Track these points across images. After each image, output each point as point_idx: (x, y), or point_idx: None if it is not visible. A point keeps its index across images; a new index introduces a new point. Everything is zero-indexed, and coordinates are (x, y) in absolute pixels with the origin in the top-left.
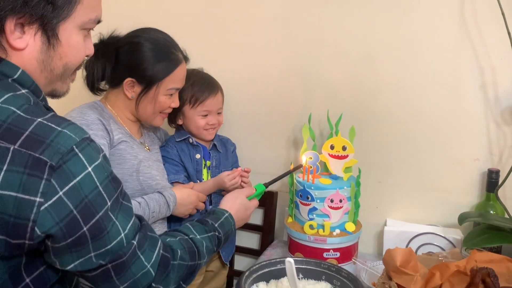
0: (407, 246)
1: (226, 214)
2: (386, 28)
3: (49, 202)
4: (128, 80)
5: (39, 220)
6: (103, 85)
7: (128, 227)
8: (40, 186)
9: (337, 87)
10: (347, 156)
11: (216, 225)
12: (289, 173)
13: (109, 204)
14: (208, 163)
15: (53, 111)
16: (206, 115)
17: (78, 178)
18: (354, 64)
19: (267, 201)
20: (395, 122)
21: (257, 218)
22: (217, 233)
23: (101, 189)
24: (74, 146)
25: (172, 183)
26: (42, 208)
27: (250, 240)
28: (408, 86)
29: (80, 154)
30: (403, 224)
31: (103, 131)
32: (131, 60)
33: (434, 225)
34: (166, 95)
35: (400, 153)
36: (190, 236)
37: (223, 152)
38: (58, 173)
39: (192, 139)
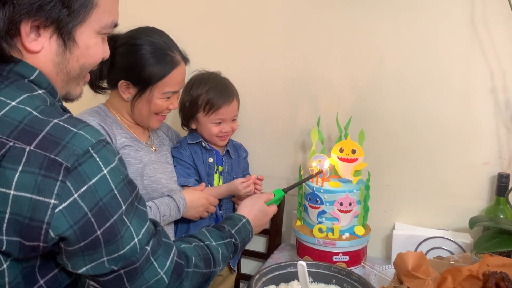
0: (416, 250)
1: (244, 220)
2: (395, 32)
3: (64, 204)
4: (122, 82)
5: (53, 222)
6: (104, 83)
7: (142, 232)
8: (55, 188)
9: (346, 90)
10: (357, 159)
11: (233, 232)
12: (309, 178)
13: (123, 208)
14: (220, 168)
15: (69, 112)
16: (220, 123)
17: (93, 181)
18: (363, 67)
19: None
20: (404, 125)
21: None
22: (233, 240)
23: (116, 192)
24: (90, 148)
25: (181, 186)
26: (57, 210)
27: (256, 243)
28: (417, 90)
29: (96, 156)
30: (411, 228)
31: (105, 136)
32: (125, 62)
33: (443, 229)
34: (162, 98)
35: (409, 157)
36: (206, 242)
37: (235, 158)
38: (73, 175)
39: (205, 143)
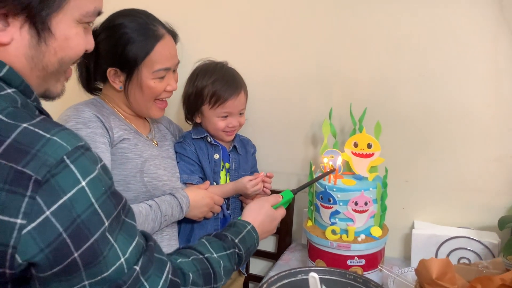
0: (437, 250)
1: (248, 227)
2: (412, 14)
3: (33, 224)
4: (110, 70)
5: (21, 246)
6: (100, 84)
7: (129, 250)
8: (22, 205)
9: (359, 79)
10: (373, 154)
11: (236, 241)
12: (321, 177)
13: (106, 224)
14: (227, 165)
15: (46, 114)
16: (226, 117)
17: (69, 195)
18: (378, 54)
19: None
20: (423, 116)
21: None
22: (237, 250)
23: (97, 207)
24: (64, 157)
25: (185, 183)
26: (24, 231)
27: (266, 242)
28: (438, 76)
29: (72, 166)
30: (432, 227)
31: (102, 128)
32: (107, 46)
33: (467, 228)
34: (154, 78)
35: (429, 150)
36: (206, 255)
37: (243, 155)
38: (45, 189)
39: (210, 138)
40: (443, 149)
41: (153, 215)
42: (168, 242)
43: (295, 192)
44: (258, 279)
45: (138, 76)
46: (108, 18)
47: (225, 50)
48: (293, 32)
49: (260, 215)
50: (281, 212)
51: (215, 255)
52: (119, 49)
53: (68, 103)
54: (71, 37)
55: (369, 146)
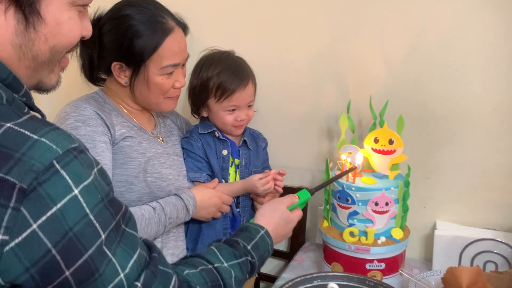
0: (461, 253)
1: (262, 232)
2: (435, 5)
3: (17, 240)
4: (114, 64)
5: (2, 265)
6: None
7: (130, 265)
8: (4, 219)
9: (380, 69)
10: (395, 151)
11: (248, 247)
12: (340, 176)
13: (103, 236)
14: (237, 161)
15: (38, 111)
16: (233, 110)
17: (59, 205)
18: (400, 42)
19: None
20: (448, 109)
21: None
22: (249, 258)
23: (92, 218)
24: (54, 161)
25: (191, 182)
26: (7, 248)
27: None
28: (465, 67)
29: (62, 172)
30: (456, 228)
31: (102, 126)
32: (112, 39)
33: (494, 229)
34: (161, 75)
35: (453, 145)
36: (215, 265)
37: (253, 150)
38: (32, 199)
39: (218, 133)
40: (468, 144)
41: (156, 218)
42: (175, 243)
43: (312, 192)
44: (269, 278)
45: (144, 72)
46: (113, 8)
47: (232, 37)
48: (306, 17)
49: (275, 218)
50: (298, 214)
51: (225, 264)
52: (125, 43)
53: (73, 94)
54: (63, 22)
55: (390, 142)
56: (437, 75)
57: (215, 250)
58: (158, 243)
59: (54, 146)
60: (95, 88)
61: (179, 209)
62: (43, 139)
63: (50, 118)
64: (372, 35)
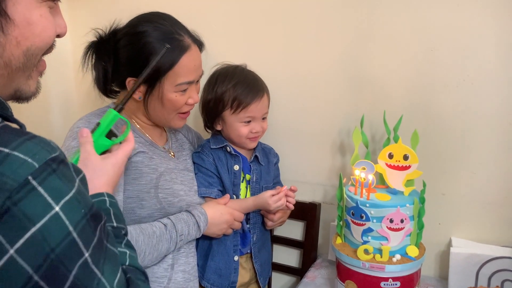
0: (478, 272)
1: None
2: (451, 12)
3: None
4: (129, 80)
5: None
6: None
7: (115, 283)
8: None
9: (394, 83)
10: (410, 166)
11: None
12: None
13: (86, 254)
14: (248, 176)
15: (15, 121)
16: (249, 122)
17: (38, 225)
18: (413, 60)
19: (309, 213)
20: (463, 124)
21: (297, 233)
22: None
23: (75, 236)
24: (30, 177)
25: (202, 197)
26: None
27: (289, 257)
28: (479, 82)
29: (40, 188)
30: (472, 245)
31: None
32: (128, 55)
33: (511, 247)
34: (176, 92)
35: (469, 161)
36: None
37: (265, 165)
38: (6, 222)
39: (230, 148)
40: (484, 160)
41: (168, 235)
42: (186, 259)
43: (119, 108)
44: None
45: (159, 89)
46: (130, 23)
47: (244, 52)
48: (318, 32)
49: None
50: (120, 150)
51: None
52: (141, 60)
53: (87, 106)
54: (35, 21)
55: (405, 157)
56: (452, 90)
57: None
58: (169, 260)
59: (29, 160)
60: (108, 101)
61: (190, 225)
62: (16, 153)
63: (62, 131)
64: (385, 50)
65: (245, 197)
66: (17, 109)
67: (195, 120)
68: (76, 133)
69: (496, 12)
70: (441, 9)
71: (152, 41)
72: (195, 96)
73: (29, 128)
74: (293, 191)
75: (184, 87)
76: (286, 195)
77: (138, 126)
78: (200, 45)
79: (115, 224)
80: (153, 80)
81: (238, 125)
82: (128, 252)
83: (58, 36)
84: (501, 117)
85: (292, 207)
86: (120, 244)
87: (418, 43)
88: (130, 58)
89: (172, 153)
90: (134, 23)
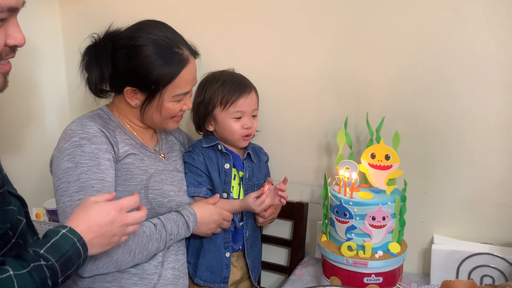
0: (458, 267)
1: (63, 231)
2: (432, 18)
3: None
4: (128, 89)
5: None
6: (106, 86)
7: None
8: None
9: (377, 86)
10: (391, 166)
11: (41, 252)
12: None
13: None
14: (241, 174)
15: None
16: (239, 118)
17: None
18: (395, 64)
19: (297, 213)
20: (444, 126)
21: (285, 232)
22: (43, 262)
23: None
24: None
25: (192, 196)
26: None
27: (277, 255)
28: (460, 84)
29: None
30: (453, 242)
31: (107, 144)
32: (128, 66)
33: (490, 244)
34: (173, 101)
35: (450, 161)
36: None
37: (256, 163)
38: None
39: (221, 146)
40: (465, 160)
41: (157, 234)
42: (175, 257)
43: None
44: None
45: (159, 99)
46: (129, 34)
47: (231, 56)
48: (304, 36)
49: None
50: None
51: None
52: (142, 73)
53: (82, 109)
54: None
55: (387, 157)
56: (432, 92)
57: (4, 266)
58: (159, 257)
59: None
60: (101, 103)
61: (179, 225)
62: None
63: (57, 133)
64: (369, 54)
65: (238, 194)
66: (12, 112)
67: (187, 124)
68: (69, 136)
69: (474, 17)
70: (422, 15)
71: (152, 56)
72: (188, 103)
73: (23, 131)
74: (285, 182)
75: (181, 98)
76: (278, 189)
77: (129, 128)
78: (196, 55)
79: None
80: (155, 91)
81: (229, 121)
82: None
83: (18, 45)
84: (480, 118)
85: (284, 202)
86: None
87: (400, 47)
88: (130, 70)
89: (162, 155)
90: (133, 34)
